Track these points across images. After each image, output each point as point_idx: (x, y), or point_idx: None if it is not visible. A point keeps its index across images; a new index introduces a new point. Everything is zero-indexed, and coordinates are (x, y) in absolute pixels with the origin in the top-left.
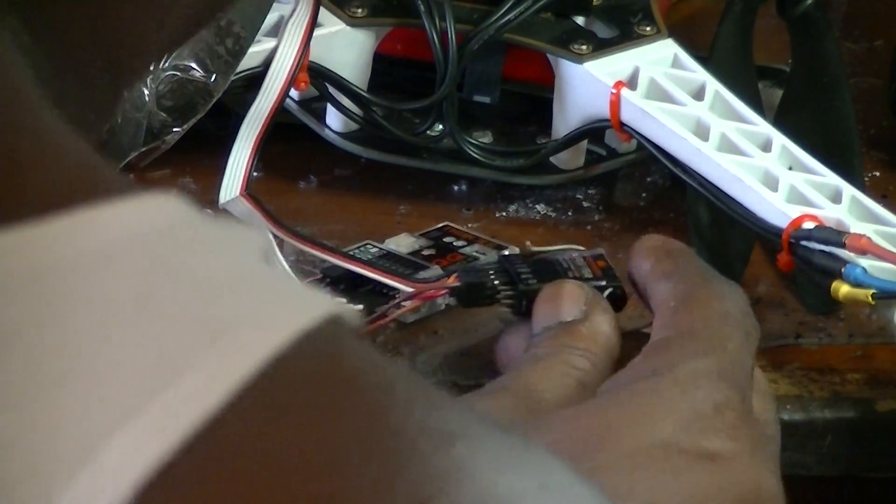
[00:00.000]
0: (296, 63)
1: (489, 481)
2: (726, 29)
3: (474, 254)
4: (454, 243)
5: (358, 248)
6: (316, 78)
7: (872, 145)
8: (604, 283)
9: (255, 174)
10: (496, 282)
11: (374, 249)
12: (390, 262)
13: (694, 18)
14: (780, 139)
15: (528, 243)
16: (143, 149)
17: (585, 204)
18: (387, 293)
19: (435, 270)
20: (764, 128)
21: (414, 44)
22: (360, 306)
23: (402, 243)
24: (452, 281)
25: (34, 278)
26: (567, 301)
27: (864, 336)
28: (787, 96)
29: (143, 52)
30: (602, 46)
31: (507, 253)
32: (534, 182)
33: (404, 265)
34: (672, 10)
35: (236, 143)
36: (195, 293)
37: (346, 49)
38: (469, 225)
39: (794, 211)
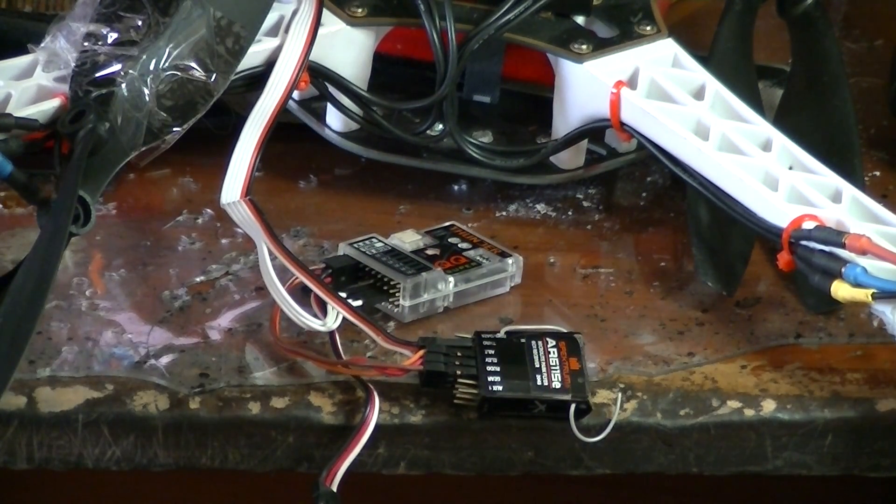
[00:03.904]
0: (301, 62)
1: None
2: (726, 29)
3: (478, 258)
4: (459, 245)
5: (363, 241)
6: (316, 78)
7: (872, 145)
8: (569, 396)
9: (255, 174)
10: (458, 372)
11: (379, 244)
12: (393, 258)
13: (694, 18)
14: (780, 139)
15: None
16: (143, 148)
17: (585, 204)
18: (386, 289)
19: (436, 274)
20: (764, 128)
21: (414, 43)
22: (360, 302)
23: (406, 240)
24: (417, 364)
25: None
26: None
27: (864, 336)
28: (787, 96)
29: None
30: (602, 46)
31: (482, 332)
32: (534, 182)
33: (407, 263)
34: (672, 10)
35: (239, 141)
36: None
37: (346, 49)
38: (469, 224)
39: (795, 211)
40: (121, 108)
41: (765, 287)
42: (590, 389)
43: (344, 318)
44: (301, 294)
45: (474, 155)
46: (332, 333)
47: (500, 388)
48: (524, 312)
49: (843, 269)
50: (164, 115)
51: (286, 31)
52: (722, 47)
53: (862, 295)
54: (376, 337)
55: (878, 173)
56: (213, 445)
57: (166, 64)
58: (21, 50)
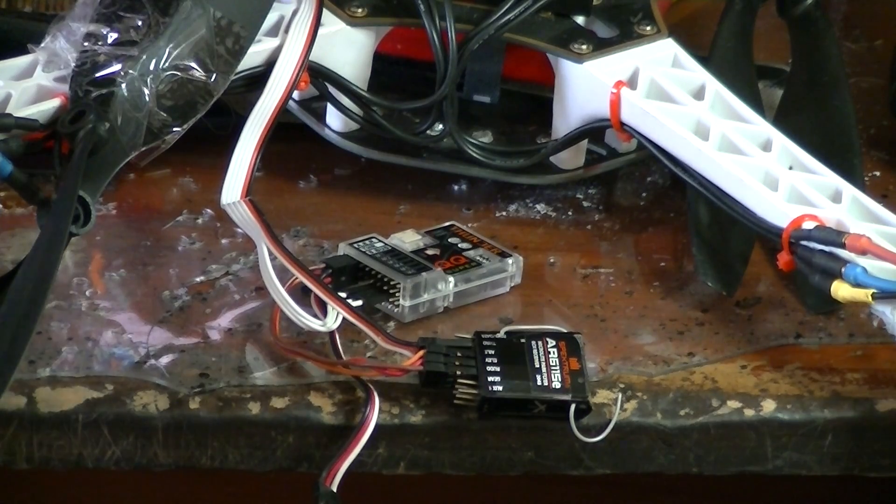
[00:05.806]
0: (301, 62)
1: None
2: (726, 29)
3: (478, 258)
4: (459, 245)
5: (363, 241)
6: (316, 78)
7: (872, 145)
8: (569, 396)
9: (255, 174)
10: (458, 372)
11: (380, 244)
12: (393, 258)
13: (694, 18)
14: (780, 139)
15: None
16: (143, 148)
17: (585, 204)
18: (386, 289)
19: (436, 274)
20: (764, 128)
21: (414, 43)
22: (360, 302)
23: (406, 240)
24: (417, 364)
25: None
26: None
27: (864, 336)
28: (787, 96)
29: None
30: (602, 46)
31: (482, 332)
32: (534, 182)
33: (407, 262)
34: (672, 10)
35: (239, 142)
36: None
37: (346, 49)
38: (469, 224)
39: (795, 211)
40: (121, 108)
41: (765, 287)
42: (590, 389)
43: (344, 318)
44: (301, 294)
45: (474, 155)
46: (332, 333)
47: (500, 388)
48: (524, 312)
49: (843, 269)
50: (164, 115)
51: (286, 31)
52: (722, 47)
53: (862, 295)
54: (376, 337)
55: (878, 173)
56: (213, 445)
57: (166, 64)
58: (21, 50)
